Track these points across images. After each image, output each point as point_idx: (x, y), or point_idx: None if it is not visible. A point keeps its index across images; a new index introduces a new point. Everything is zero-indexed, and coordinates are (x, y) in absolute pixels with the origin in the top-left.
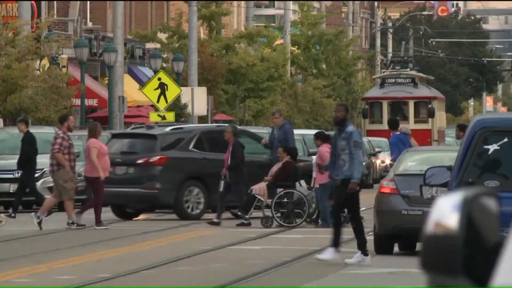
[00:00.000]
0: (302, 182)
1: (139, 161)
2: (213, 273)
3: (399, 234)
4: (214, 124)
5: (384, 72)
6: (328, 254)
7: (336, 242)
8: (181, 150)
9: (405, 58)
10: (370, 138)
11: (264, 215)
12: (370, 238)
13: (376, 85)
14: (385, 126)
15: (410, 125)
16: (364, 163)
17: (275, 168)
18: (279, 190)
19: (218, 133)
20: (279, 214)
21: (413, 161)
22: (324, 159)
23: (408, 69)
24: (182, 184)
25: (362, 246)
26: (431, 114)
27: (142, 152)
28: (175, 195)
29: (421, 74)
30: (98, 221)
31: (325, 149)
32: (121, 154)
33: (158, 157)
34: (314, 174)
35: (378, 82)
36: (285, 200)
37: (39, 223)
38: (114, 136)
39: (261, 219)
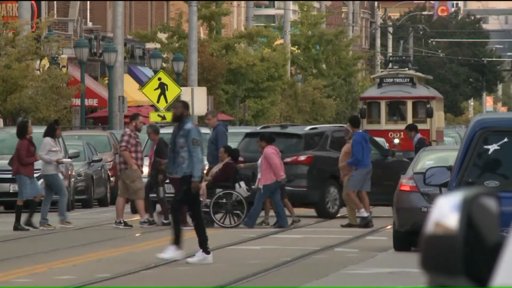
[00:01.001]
0: (242, 183)
1: (287, 160)
2: (213, 273)
3: (419, 231)
4: (338, 125)
5: (382, 71)
6: (170, 252)
7: (177, 240)
8: (321, 150)
9: (403, 57)
10: None
11: (203, 215)
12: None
13: (374, 84)
14: (383, 126)
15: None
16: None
17: (215, 169)
18: (218, 190)
19: (341, 133)
20: (219, 215)
21: (431, 160)
22: (269, 161)
23: (406, 69)
24: (325, 182)
25: (203, 244)
26: (430, 114)
27: (286, 151)
28: (319, 193)
29: (420, 74)
30: (184, 222)
31: (271, 150)
32: None
33: (306, 156)
34: (259, 175)
35: (376, 82)
36: (224, 200)
37: (122, 223)
38: (248, 135)
39: None
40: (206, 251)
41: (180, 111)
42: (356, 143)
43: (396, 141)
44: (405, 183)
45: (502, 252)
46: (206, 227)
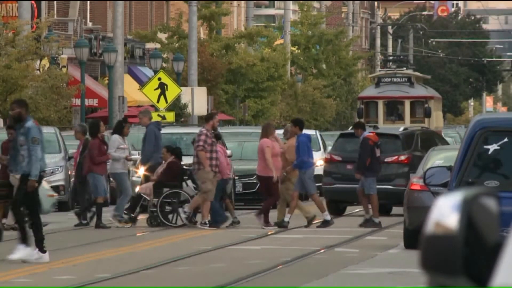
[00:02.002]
0: (189, 182)
1: (388, 159)
2: (213, 273)
3: None
4: (420, 125)
5: (380, 71)
6: (21, 252)
7: (23, 239)
8: (415, 150)
9: (401, 57)
10: None
11: (150, 214)
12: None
13: (371, 84)
14: (381, 126)
15: (406, 125)
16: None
17: (160, 169)
18: (165, 190)
19: (425, 134)
20: (168, 214)
21: (440, 159)
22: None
23: (404, 68)
24: None
25: (39, 242)
26: (428, 114)
27: (384, 151)
28: None
29: (418, 73)
30: (267, 221)
31: (217, 148)
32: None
33: (406, 156)
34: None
35: (374, 81)
36: (171, 199)
37: (188, 219)
38: (343, 135)
39: (146, 219)
40: (43, 250)
41: (17, 111)
42: (303, 144)
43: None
44: (416, 182)
45: (502, 252)
46: (152, 226)
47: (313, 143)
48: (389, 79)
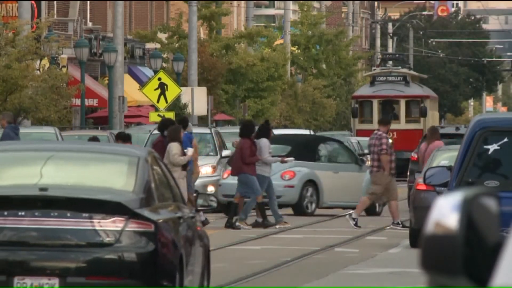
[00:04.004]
0: None
1: None
2: (213, 273)
3: None
4: (416, 125)
5: (374, 69)
6: None
7: None
8: None
9: (396, 55)
10: (360, 138)
11: None
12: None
13: (365, 82)
14: (375, 125)
15: (401, 124)
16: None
17: None
18: None
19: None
20: None
21: (445, 159)
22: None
23: (400, 67)
24: None
25: None
26: (423, 113)
27: None
28: None
29: (413, 72)
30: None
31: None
32: None
33: None
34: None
35: (369, 80)
36: None
37: (356, 224)
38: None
39: None
40: None
41: None
42: (186, 144)
43: (389, 141)
44: (421, 182)
45: (502, 252)
46: None
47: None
48: (384, 78)
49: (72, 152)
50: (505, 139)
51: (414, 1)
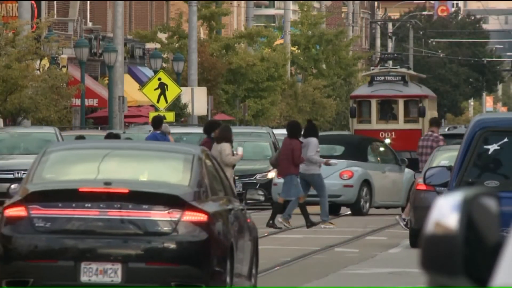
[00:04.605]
0: None
1: None
2: None
3: None
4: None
5: (373, 69)
6: None
7: None
8: None
9: (395, 55)
10: None
11: None
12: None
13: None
14: (374, 125)
15: (399, 124)
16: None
17: None
18: None
19: None
20: None
21: (445, 159)
22: None
23: (398, 67)
24: None
25: None
26: (422, 113)
27: None
28: None
29: (412, 72)
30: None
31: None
32: None
33: None
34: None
35: (367, 80)
36: None
37: (406, 225)
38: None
39: None
40: None
41: None
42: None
43: (387, 141)
44: (421, 182)
45: (502, 252)
46: None
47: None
48: (382, 78)
49: (132, 150)
50: (505, 139)
51: (414, 1)
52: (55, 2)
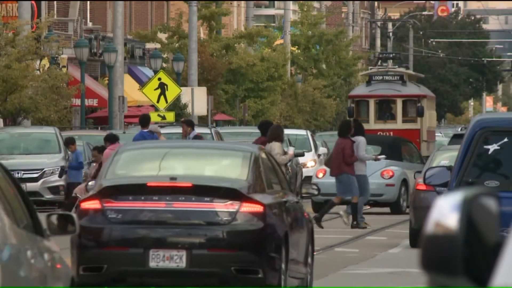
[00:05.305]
0: None
1: None
2: None
3: None
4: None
5: (371, 69)
6: None
7: None
8: None
9: (393, 54)
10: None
11: None
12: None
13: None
14: (372, 125)
15: (397, 124)
16: None
17: (93, 170)
18: None
19: None
20: None
21: (445, 159)
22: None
23: (396, 66)
24: None
25: None
26: (420, 113)
27: None
28: None
29: (410, 71)
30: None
31: (108, 151)
32: None
33: None
34: None
35: (365, 79)
36: None
37: None
38: (455, 136)
39: None
40: None
41: None
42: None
43: None
44: (421, 182)
45: (502, 252)
46: None
47: (304, 144)
48: (380, 77)
49: (195, 148)
50: (505, 139)
51: (414, 1)
52: (55, 2)
